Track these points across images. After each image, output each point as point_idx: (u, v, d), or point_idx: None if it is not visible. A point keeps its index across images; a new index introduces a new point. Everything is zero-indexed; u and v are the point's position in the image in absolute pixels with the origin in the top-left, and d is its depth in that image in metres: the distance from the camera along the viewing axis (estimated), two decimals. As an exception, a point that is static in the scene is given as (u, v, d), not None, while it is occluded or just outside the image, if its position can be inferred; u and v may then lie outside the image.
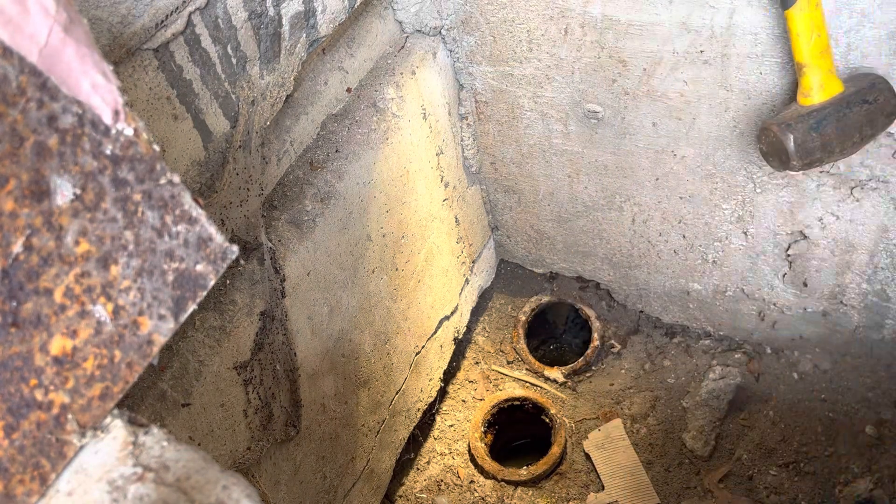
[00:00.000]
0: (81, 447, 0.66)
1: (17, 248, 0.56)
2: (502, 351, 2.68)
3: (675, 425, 2.38)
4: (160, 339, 0.68)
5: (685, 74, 1.84)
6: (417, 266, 2.16)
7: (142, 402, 1.30)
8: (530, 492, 2.35)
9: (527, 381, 2.59)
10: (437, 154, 2.16)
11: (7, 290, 0.56)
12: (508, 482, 2.37)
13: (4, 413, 0.59)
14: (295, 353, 1.65)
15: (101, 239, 0.61)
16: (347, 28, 1.84)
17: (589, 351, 2.60)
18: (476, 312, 2.70)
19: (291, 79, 1.58)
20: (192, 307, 0.69)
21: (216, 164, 1.44)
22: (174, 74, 1.29)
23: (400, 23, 2.02)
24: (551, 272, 2.73)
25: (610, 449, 2.38)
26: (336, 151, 1.78)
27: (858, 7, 1.56)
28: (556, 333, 2.88)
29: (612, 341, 2.63)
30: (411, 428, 2.33)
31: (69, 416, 0.64)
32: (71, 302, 0.61)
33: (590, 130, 2.12)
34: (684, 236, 2.25)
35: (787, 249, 2.11)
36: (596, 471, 2.36)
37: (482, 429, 2.47)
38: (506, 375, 2.61)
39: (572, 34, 1.91)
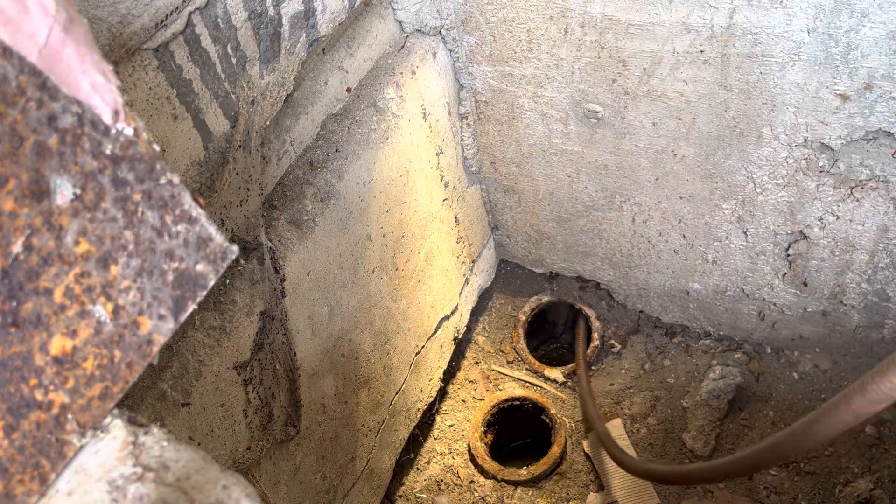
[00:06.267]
0: (81, 447, 0.66)
1: (16, 247, 0.56)
2: (502, 351, 2.68)
3: (675, 425, 2.38)
4: (160, 339, 0.68)
5: (685, 74, 1.84)
6: (417, 266, 2.16)
7: (142, 402, 1.30)
8: (530, 492, 2.35)
9: (527, 381, 2.59)
10: (437, 154, 2.16)
11: (7, 290, 0.56)
12: (508, 482, 2.37)
13: (4, 413, 0.59)
14: (295, 353, 1.65)
15: (100, 239, 0.61)
16: (347, 28, 1.84)
17: (589, 351, 2.60)
18: (476, 312, 2.70)
19: (291, 78, 1.58)
20: (191, 307, 0.69)
21: (216, 163, 1.44)
22: (174, 74, 1.29)
23: (400, 22, 2.02)
24: (551, 272, 2.73)
25: (610, 449, 2.38)
26: (336, 151, 1.78)
27: (858, 7, 1.56)
28: (556, 333, 2.88)
29: (612, 341, 2.63)
30: (411, 428, 2.33)
31: (69, 416, 0.64)
32: (71, 302, 0.61)
33: (590, 130, 2.11)
34: (684, 236, 2.25)
35: (787, 249, 2.11)
36: (596, 471, 2.36)
37: (482, 429, 2.46)
38: (506, 375, 2.61)
39: (572, 34, 1.91)
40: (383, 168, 1.89)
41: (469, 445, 2.44)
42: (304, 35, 1.58)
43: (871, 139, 1.77)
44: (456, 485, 2.39)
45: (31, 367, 0.60)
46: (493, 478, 2.37)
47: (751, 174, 1.98)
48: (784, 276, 2.18)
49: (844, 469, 2.18)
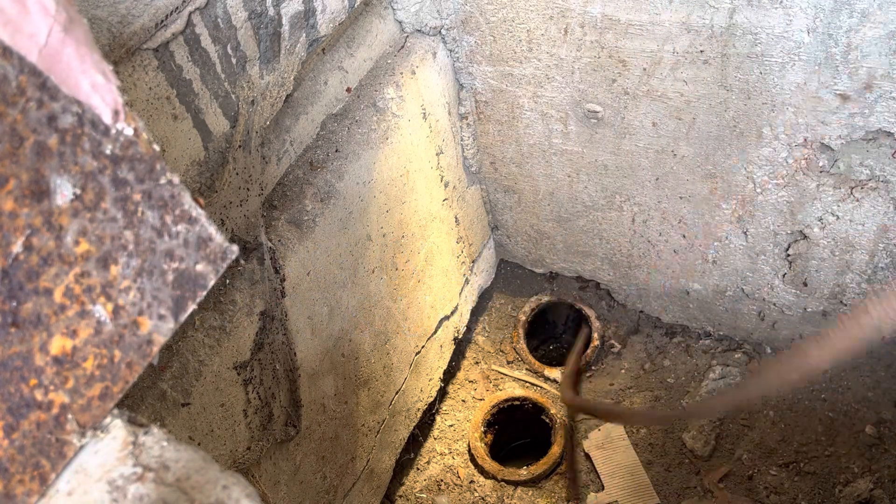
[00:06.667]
0: (81, 447, 0.66)
1: (16, 247, 0.56)
2: (502, 351, 2.68)
3: (675, 425, 2.38)
4: (160, 339, 0.68)
5: (685, 74, 1.84)
6: (417, 266, 2.16)
7: (142, 402, 1.30)
8: (530, 492, 2.35)
9: (527, 381, 2.59)
10: (437, 154, 2.16)
11: (7, 290, 0.56)
12: (508, 482, 2.37)
13: (4, 413, 0.59)
14: (295, 353, 1.65)
15: (100, 239, 0.61)
16: (347, 28, 1.84)
17: (589, 351, 2.60)
18: (476, 312, 2.70)
19: (291, 78, 1.58)
20: (191, 307, 0.69)
21: (216, 163, 1.44)
22: (174, 74, 1.29)
23: (400, 22, 2.02)
24: (551, 272, 2.73)
25: (610, 449, 2.38)
26: (336, 151, 1.78)
27: (859, 7, 1.56)
28: (556, 333, 2.88)
29: (612, 341, 2.63)
30: (411, 428, 2.33)
31: (69, 416, 0.64)
32: (71, 302, 0.61)
33: (590, 130, 2.12)
34: (684, 236, 2.25)
35: (787, 249, 2.11)
36: (596, 471, 2.36)
37: (482, 429, 2.47)
38: (506, 375, 2.61)
39: (572, 34, 1.91)
40: (383, 168, 1.89)
41: (469, 445, 2.44)
42: (304, 35, 1.58)
43: (871, 139, 1.77)
44: (456, 485, 2.39)
45: (31, 367, 0.60)
46: (493, 478, 2.37)
47: (751, 174, 1.98)
48: (784, 276, 2.18)
49: (844, 469, 2.18)
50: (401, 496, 2.37)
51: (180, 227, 0.66)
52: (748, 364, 2.44)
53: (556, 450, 2.39)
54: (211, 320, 1.44)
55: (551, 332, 2.87)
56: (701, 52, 1.78)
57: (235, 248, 0.70)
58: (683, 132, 1.97)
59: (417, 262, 2.16)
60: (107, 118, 0.59)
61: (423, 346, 2.30)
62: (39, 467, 0.63)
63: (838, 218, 1.96)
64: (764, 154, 1.91)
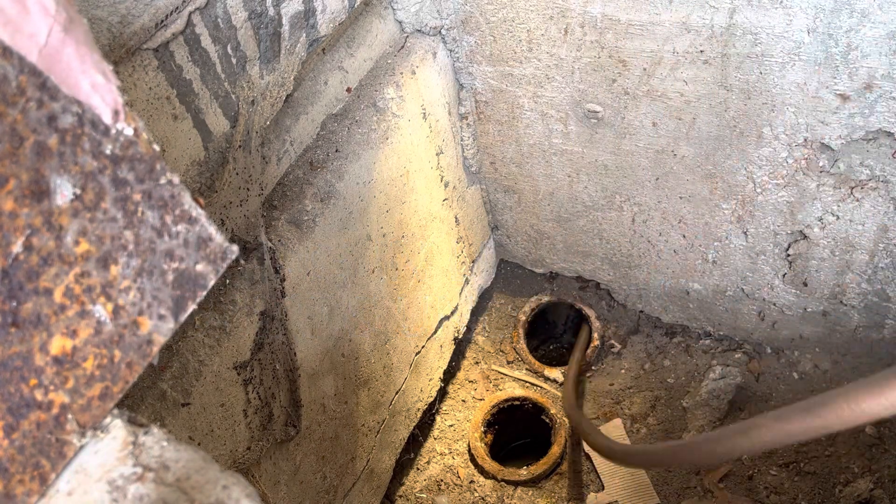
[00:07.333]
0: (81, 447, 0.66)
1: (16, 247, 0.56)
2: (502, 351, 2.68)
3: (675, 425, 2.38)
4: (160, 339, 0.68)
5: (685, 74, 1.84)
6: (417, 266, 2.16)
7: (142, 402, 1.30)
8: (530, 492, 2.35)
9: (527, 381, 2.59)
10: (437, 154, 2.16)
11: (7, 290, 0.56)
12: (508, 482, 2.37)
13: (4, 413, 0.59)
14: (295, 353, 1.65)
15: (100, 239, 0.61)
16: (347, 28, 1.84)
17: (589, 351, 2.60)
18: (476, 312, 2.70)
19: (291, 78, 1.58)
20: (191, 307, 0.69)
21: (216, 163, 1.44)
22: (174, 74, 1.29)
23: (400, 22, 2.02)
24: (551, 272, 2.73)
25: (610, 449, 2.38)
26: (336, 151, 1.78)
27: (858, 7, 1.56)
28: (556, 333, 2.88)
29: (612, 341, 2.63)
30: (411, 428, 2.33)
31: (69, 416, 0.64)
32: (71, 302, 0.61)
33: (590, 130, 2.12)
34: (684, 236, 2.25)
35: (787, 249, 2.11)
36: (596, 471, 2.36)
37: (482, 429, 2.47)
38: (506, 375, 2.61)
39: (572, 34, 1.91)
40: (383, 168, 1.89)
41: (469, 445, 2.44)
42: (304, 35, 1.58)
43: (871, 139, 1.77)
44: (456, 485, 2.39)
45: (31, 367, 0.60)
46: (493, 478, 2.37)
47: (751, 174, 1.98)
48: (784, 276, 2.18)
49: (844, 469, 2.18)
50: (401, 496, 2.37)
51: (180, 227, 0.66)
52: (748, 364, 2.44)
53: (556, 450, 2.39)
54: (211, 320, 1.44)
55: (551, 332, 2.87)
56: (701, 52, 1.78)
57: (235, 248, 0.70)
58: (683, 132, 1.97)
59: (417, 262, 2.16)
60: (107, 118, 0.59)
61: (423, 346, 2.30)
62: (39, 467, 0.63)
63: (838, 218, 1.96)
64: (764, 154, 1.91)
